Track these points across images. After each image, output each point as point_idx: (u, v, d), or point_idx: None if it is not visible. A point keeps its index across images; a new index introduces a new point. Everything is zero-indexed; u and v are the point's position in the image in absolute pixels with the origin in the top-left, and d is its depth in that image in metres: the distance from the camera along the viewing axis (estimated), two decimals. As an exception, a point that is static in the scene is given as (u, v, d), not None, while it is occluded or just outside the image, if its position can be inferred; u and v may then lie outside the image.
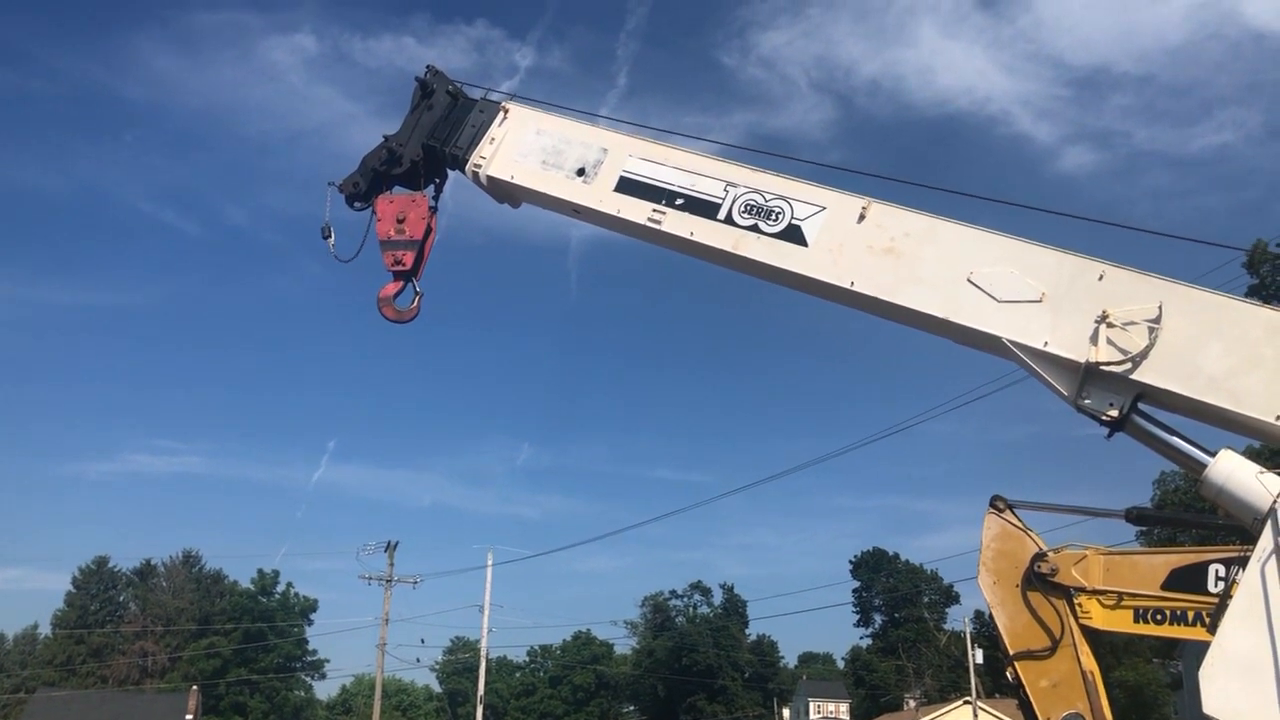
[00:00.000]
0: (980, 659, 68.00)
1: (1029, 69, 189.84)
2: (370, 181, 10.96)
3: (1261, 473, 6.66)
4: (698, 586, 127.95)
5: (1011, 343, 7.78)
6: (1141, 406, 7.43)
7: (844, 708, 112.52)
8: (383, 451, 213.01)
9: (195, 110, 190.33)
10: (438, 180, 11.09)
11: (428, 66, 11.04)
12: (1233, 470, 6.84)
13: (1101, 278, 7.65)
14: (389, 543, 56.12)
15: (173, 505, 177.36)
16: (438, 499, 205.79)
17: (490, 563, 61.20)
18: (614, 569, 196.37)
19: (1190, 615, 8.74)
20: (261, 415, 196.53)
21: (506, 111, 10.56)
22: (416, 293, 11.00)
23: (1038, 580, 8.54)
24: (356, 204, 11.11)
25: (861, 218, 8.66)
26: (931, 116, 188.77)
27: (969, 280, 8.05)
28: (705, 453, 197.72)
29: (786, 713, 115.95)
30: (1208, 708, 5.73)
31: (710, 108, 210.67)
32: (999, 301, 7.89)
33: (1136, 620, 8.97)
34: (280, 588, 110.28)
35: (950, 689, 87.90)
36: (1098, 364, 7.37)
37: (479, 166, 10.40)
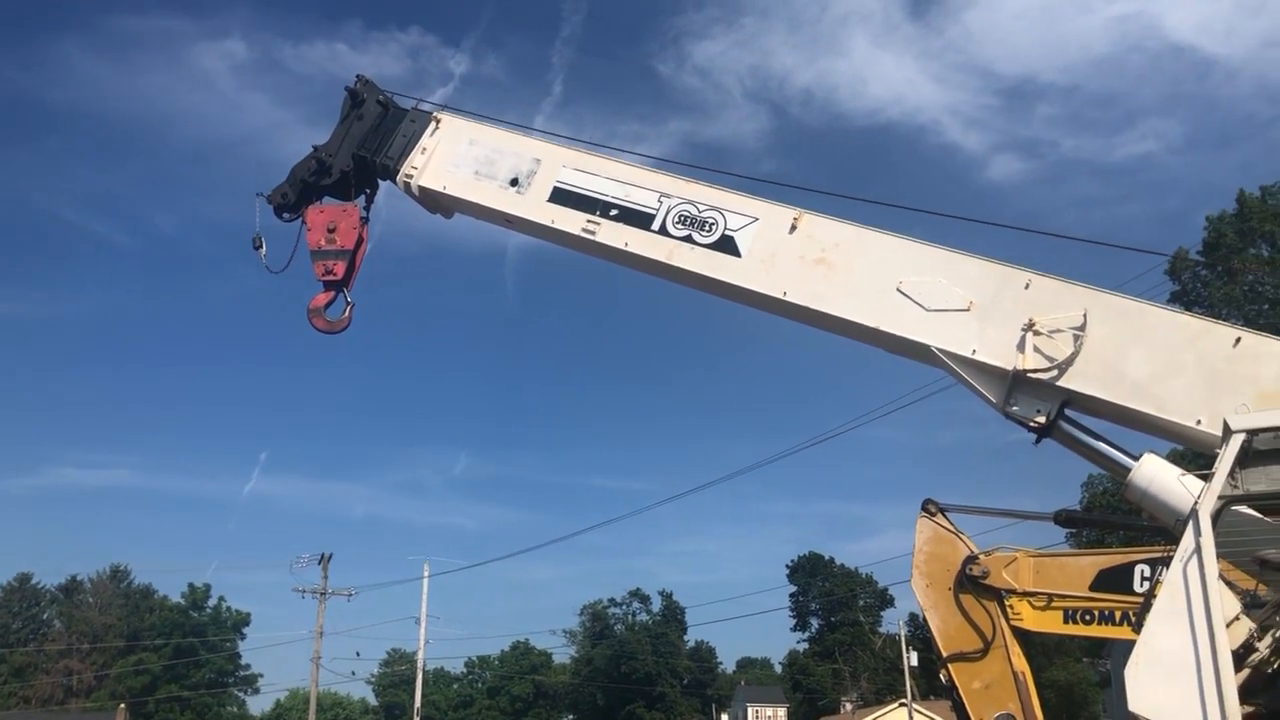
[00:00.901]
0: (915, 661, 68.81)
1: (958, 79, 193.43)
2: (299, 192, 10.83)
3: (1183, 475, 6.81)
4: (636, 594, 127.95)
5: (940, 351, 7.90)
6: (1068, 413, 7.57)
7: (782, 712, 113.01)
8: (316, 462, 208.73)
9: (123, 117, 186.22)
10: (368, 191, 10.99)
11: (358, 76, 10.95)
12: (1155, 474, 7.00)
13: (1028, 286, 7.79)
14: (323, 555, 55.24)
15: (100, 520, 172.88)
16: (373, 510, 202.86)
17: (427, 574, 60.63)
18: (553, 578, 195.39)
19: (1117, 615, 8.93)
20: (192, 427, 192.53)
21: (438, 122, 10.50)
22: (348, 303, 10.89)
23: (969, 583, 8.67)
24: (285, 215, 10.97)
25: (793, 229, 8.75)
26: (864, 126, 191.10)
27: (899, 290, 8.16)
28: (644, 460, 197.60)
29: (725, 718, 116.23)
30: (1134, 705, 5.83)
31: (646, 116, 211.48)
32: (928, 310, 8.01)
33: (1066, 621, 9.14)
34: (212, 602, 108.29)
35: (886, 691, 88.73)
36: (1025, 371, 7.50)
37: (410, 177, 10.32)
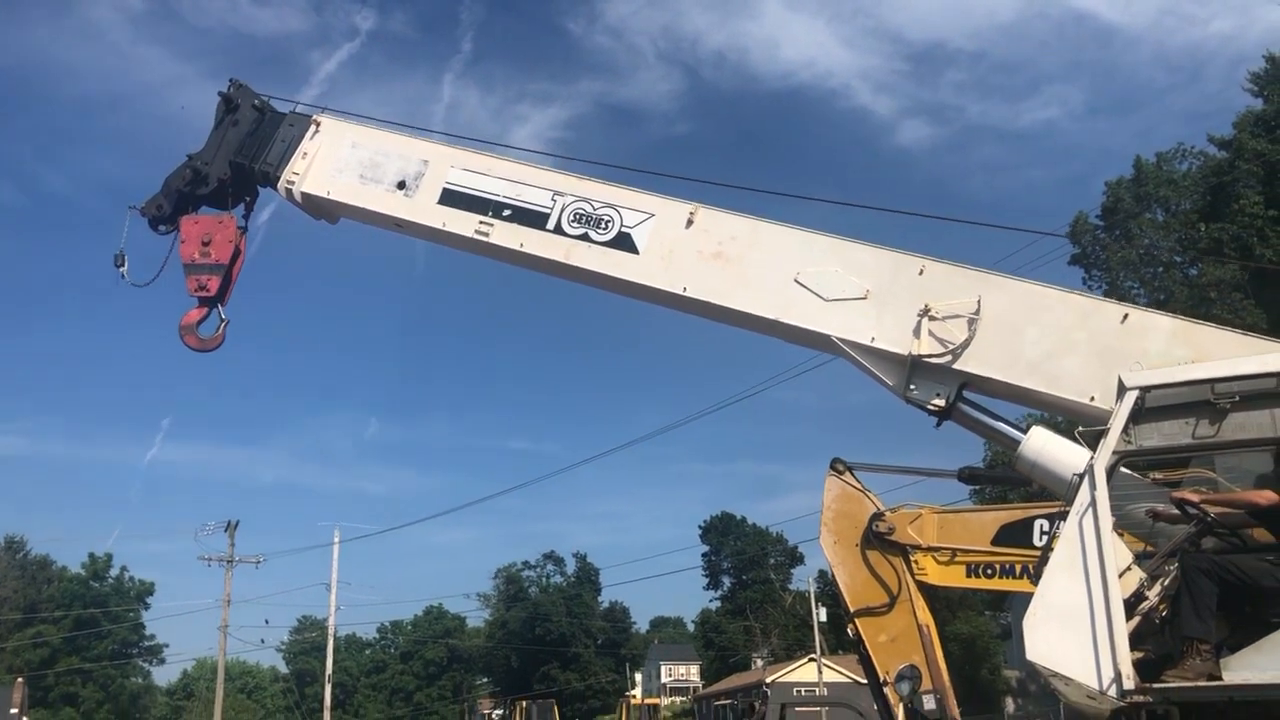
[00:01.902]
0: (824, 617, 70.29)
1: (869, 44, 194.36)
2: (175, 203, 10.44)
3: (1069, 444, 7.06)
4: (551, 556, 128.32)
5: (840, 340, 8.04)
6: (967, 394, 7.77)
7: (694, 669, 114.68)
8: (221, 428, 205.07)
9: (5, 69, 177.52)
10: (248, 199, 10.67)
11: (231, 80, 10.57)
12: (1044, 445, 7.25)
13: (922, 272, 7.93)
14: (229, 522, 54.25)
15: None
16: (281, 476, 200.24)
17: (337, 540, 59.93)
18: (466, 542, 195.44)
19: (1018, 568, 9.21)
20: (89, 393, 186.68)
21: (318, 125, 10.21)
22: (222, 319, 10.55)
23: (876, 539, 8.84)
24: (161, 228, 10.55)
25: (689, 223, 8.76)
26: (775, 89, 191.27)
27: (796, 281, 8.25)
28: (556, 424, 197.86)
29: (639, 677, 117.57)
30: (1031, 654, 6.03)
31: (557, 75, 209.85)
32: (826, 300, 8.12)
33: (969, 575, 9.40)
34: (114, 572, 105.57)
35: (796, 647, 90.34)
36: (922, 357, 7.65)
37: (292, 184, 10.03)
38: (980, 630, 68.14)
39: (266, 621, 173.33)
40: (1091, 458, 6.13)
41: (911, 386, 7.82)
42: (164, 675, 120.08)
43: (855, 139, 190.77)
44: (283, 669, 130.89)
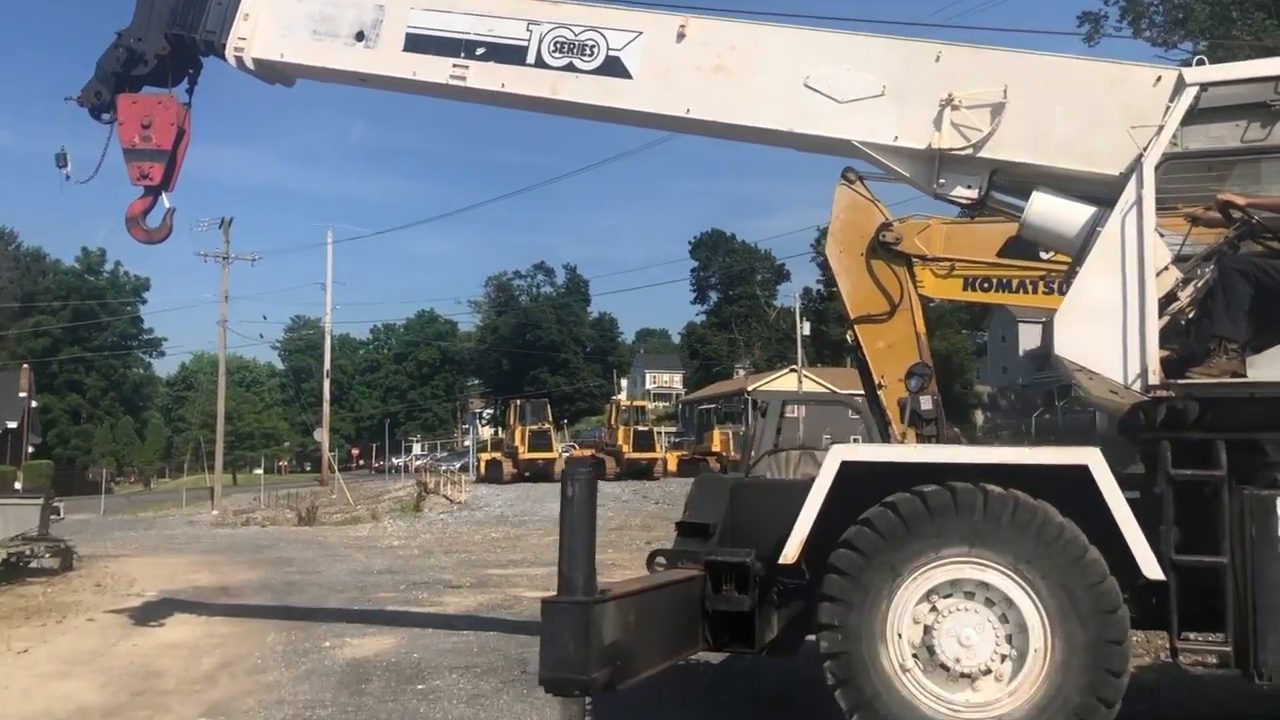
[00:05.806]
0: (807, 331, 72.14)
1: None
2: (114, 87, 9.66)
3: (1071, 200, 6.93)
4: (541, 267, 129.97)
5: (862, 144, 7.62)
6: (998, 180, 7.44)
7: (678, 378, 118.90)
8: (202, 124, 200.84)
9: None
10: (191, 71, 9.92)
11: None
12: (1047, 207, 7.03)
13: (939, 58, 7.44)
14: (223, 219, 53.98)
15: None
16: (268, 177, 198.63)
17: (330, 240, 60.19)
18: (456, 251, 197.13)
19: (1014, 283, 9.24)
20: (70, 84, 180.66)
21: None
22: (168, 208, 10.06)
23: (881, 248, 8.79)
24: (104, 116, 9.81)
25: (681, 36, 8.12)
26: None
27: (807, 85, 7.73)
28: (548, 134, 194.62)
29: (624, 383, 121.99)
30: (1059, 349, 6.11)
31: None
32: (840, 103, 7.63)
33: (965, 288, 9.45)
34: (108, 266, 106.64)
35: (777, 359, 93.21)
36: (950, 149, 7.27)
37: (240, 49, 9.22)
38: (956, 347, 70.37)
39: (265, 317, 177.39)
40: (1141, 152, 6.00)
41: (941, 181, 7.50)
42: (163, 367, 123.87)
43: None
44: (279, 366, 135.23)
